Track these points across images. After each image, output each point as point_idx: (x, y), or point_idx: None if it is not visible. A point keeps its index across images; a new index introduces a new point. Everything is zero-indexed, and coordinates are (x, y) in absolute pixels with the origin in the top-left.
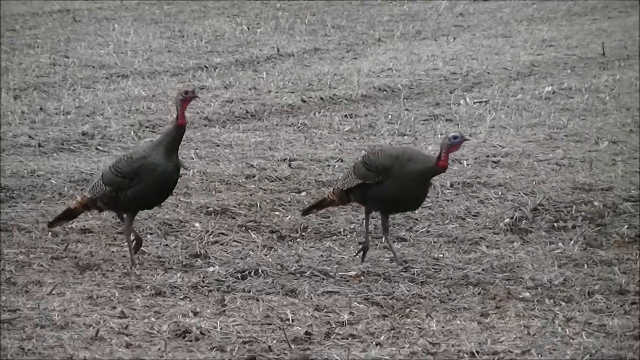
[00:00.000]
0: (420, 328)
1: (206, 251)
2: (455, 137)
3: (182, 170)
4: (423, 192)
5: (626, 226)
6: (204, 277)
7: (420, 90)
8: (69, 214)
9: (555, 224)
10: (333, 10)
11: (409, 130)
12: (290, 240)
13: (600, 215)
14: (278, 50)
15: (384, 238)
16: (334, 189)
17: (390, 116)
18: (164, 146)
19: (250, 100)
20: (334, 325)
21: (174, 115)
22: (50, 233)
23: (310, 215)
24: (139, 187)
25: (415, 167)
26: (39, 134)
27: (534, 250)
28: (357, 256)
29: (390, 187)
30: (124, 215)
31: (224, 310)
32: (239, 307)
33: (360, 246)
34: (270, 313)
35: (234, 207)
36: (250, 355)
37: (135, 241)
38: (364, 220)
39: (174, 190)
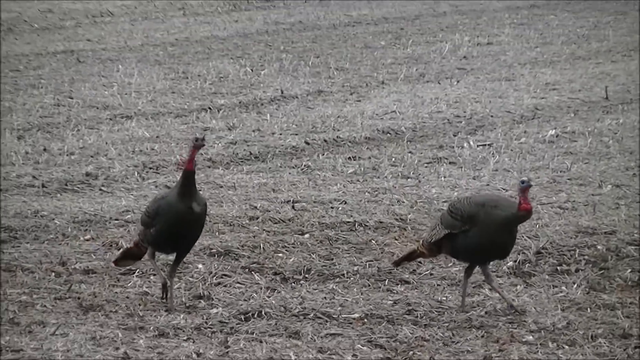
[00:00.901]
0: None
1: (209, 292)
2: (522, 182)
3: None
4: (510, 239)
5: (629, 270)
6: (207, 319)
7: (423, 133)
8: (129, 254)
9: (558, 268)
10: (337, 52)
11: (413, 173)
12: (294, 282)
13: (604, 259)
14: (282, 92)
15: (489, 285)
16: (423, 241)
17: (393, 159)
18: (177, 189)
19: (254, 142)
20: None
21: (181, 157)
22: (53, 274)
23: (313, 257)
24: (157, 227)
25: (501, 214)
26: (42, 174)
27: (537, 294)
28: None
29: (477, 235)
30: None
31: (227, 352)
32: (242, 349)
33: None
34: (273, 355)
35: (238, 248)
36: None
37: (163, 288)
38: (464, 278)
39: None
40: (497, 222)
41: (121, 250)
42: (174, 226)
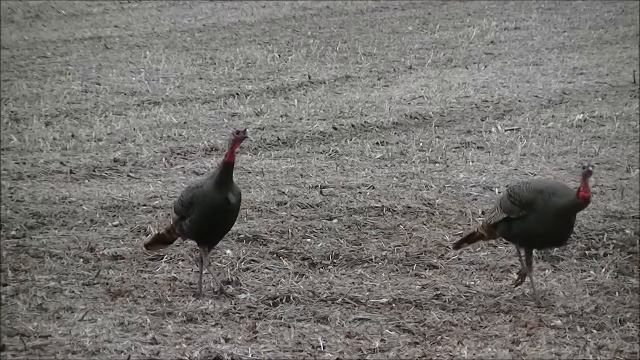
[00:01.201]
0: (451, 355)
1: (237, 278)
2: (583, 167)
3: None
4: (567, 227)
5: None
6: (235, 304)
7: (451, 117)
8: (161, 239)
9: (586, 252)
10: (364, 38)
11: (440, 158)
12: (322, 268)
13: (632, 243)
14: (309, 78)
15: (527, 274)
16: (482, 223)
17: (421, 143)
18: (214, 179)
19: (281, 128)
20: (365, 353)
21: (208, 142)
22: (81, 259)
23: (341, 242)
24: (192, 217)
25: (559, 202)
26: (70, 160)
27: (565, 278)
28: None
29: (534, 222)
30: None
31: (256, 337)
32: (270, 334)
33: (518, 277)
34: (301, 340)
35: (266, 234)
36: None
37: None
38: (519, 256)
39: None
40: (554, 209)
41: (153, 234)
42: (209, 216)
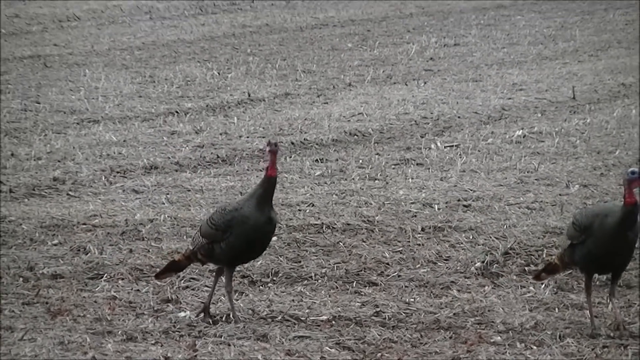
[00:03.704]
0: None
1: (177, 296)
2: (633, 172)
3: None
4: (626, 249)
5: None
6: (175, 322)
7: (391, 134)
8: (175, 267)
9: (526, 268)
10: (303, 55)
11: (380, 175)
12: (262, 285)
13: None
14: (249, 95)
15: (610, 299)
16: (558, 253)
17: (361, 160)
18: (256, 198)
19: (221, 145)
20: None
21: (144, 161)
22: (21, 279)
23: (281, 260)
24: (231, 240)
25: (612, 221)
26: (10, 179)
27: (505, 294)
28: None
29: (592, 245)
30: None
31: (196, 356)
32: (210, 352)
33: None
34: (241, 358)
35: None
36: None
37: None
38: (586, 296)
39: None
40: (609, 229)
41: (167, 263)
42: (252, 238)
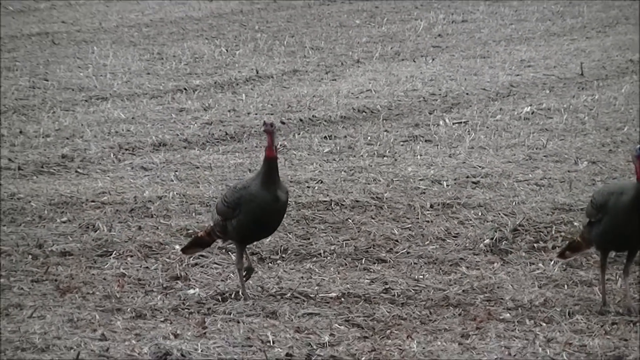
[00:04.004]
0: (401, 349)
1: (186, 273)
2: (638, 149)
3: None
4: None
5: None
6: (184, 300)
7: (399, 111)
8: (199, 242)
9: (535, 245)
10: (312, 32)
11: (389, 152)
12: (271, 262)
13: None
14: (257, 72)
15: (623, 278)
16: (579, 232)
17: (369, 137)
18: (261, 177)
19: (229, 122)
20: (314, 347)
21: (153, 138)
22: (30, 256)
23: (290, 237)
24: (240, 217)
25: (626, 199)
26: (18, 156)
27: (514, 271)
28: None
29: (606, 223)
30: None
31: (205, 333)
32: (219, 329)
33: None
34: (251, 335)
35: None
36: None
37: (246, 271)
38: (600, 272)
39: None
40: (623, 206)
41: (192, 238)
42: (259, 216)
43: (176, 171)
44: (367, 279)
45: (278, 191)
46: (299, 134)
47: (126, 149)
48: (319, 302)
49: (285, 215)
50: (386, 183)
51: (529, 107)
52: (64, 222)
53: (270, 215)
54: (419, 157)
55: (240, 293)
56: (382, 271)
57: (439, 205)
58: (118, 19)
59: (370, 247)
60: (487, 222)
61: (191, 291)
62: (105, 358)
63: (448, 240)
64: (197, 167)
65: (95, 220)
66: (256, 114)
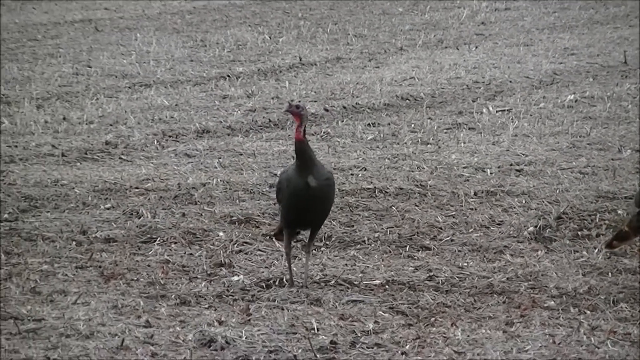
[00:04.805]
0: (445, 337)
1: (230, 260)
2: None
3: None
4: None
5: None
6: (228, 286)
7: (442, 99)
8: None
9: (579, 233)
10: (355, 19)
11: (432, 139)
12: (315, 249)
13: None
14: (300, 59)
15: None
16: (627, 221)
17: (413, 125)
18: (296, 163)
19: (272, 109)
20: (359, 335)
21: (196, 125)
22: (74, 242)
23: (334, 224)
24: (283, 203)
25: None
26: (62, 143)
27: (558, 259)
28: None
29: None
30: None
31: (249, 320)
32: (263, 316)
33: None
34: (295, 322)
35: (258, 216)
36: None
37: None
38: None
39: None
40: None
41: (278, 224)
42: (294, 202)
43: (220, 158)
44: (411, 266)
45: (310, 177)
46: (343, 121)
47: (170, 136)
48: (363, 289)
49: (331, 203)
50: (430, 170)
51: (573, 95)
52: (108, 209)
53: (304, 201)
54: (462, 144)
55: (284, 279)
56: (426, 259)
57: (482, 192)
58: (161, 6)
59: (414, 235)
60: (531, 209)
61: (235, 278)
62: (149, 345)
63: (492, 228)
64: (241, 154)
65: (139, 207)
66: (301, 102)
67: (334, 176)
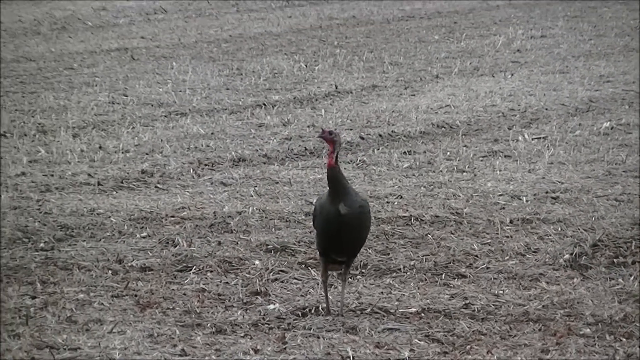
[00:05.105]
0: None
1: (266, 289)
2: None
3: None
4: None
5: None
6: (264, 315)
7: (478, 126)
8: None
9: (614, 260)
10: (390, 47)
11: (468, 167)
12: (350, 278)
13: None
14: (336, 88)
15: None
16: None
17: (449, 152)
18: (329, 190)
19: (308, 138)
20: None
21: (232, 153)
22: (110, 271)
23: (370, 252)
24: (317, 229)
25: None
26: (98, 172)
27: (594, 286)
28: None
29: None
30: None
31: (285, 348)
32: (299, 345)
33: None
34: (331, 350)
35: (294, 244)
36: None
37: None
38: None
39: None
40: None
41: None
42: (326, 229)
43: (255, 186)
44: (447, 294)
45: (341, 204)
46: (379, 149)
47: (205, 164)
48: (399, 317)
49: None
50: (465, 198)
51: (608, 123)
52: (144, 238)
53: (335, 228)
54: (498, 172)
55: (320, 308)
56: (462, 286)
57: (518, 220)
58: (197, 35)
59: (450, 262)
60: (567, 237)
61: (271, 306)
62: None
63: (528, 256)
64: (277, 183)
65: (174, 236)
66: (335, 129)
67: (369, 204)
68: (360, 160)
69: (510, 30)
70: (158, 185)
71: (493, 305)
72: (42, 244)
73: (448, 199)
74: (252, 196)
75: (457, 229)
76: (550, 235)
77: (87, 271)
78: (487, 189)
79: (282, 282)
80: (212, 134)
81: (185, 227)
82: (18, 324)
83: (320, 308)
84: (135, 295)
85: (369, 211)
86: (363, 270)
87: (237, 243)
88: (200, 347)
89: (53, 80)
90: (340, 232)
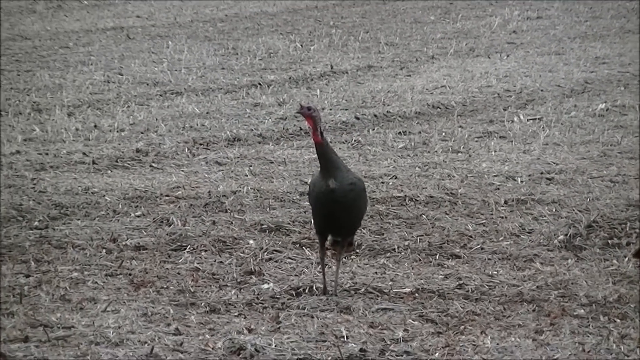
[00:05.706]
0: (474, 345)
1: (260, 268)
2: None
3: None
4: None
5: None
6: (258, 294)
7: (473, 107)
8: None
9: (609, 241)
10: (386, 27)
11: (463, 148)
12: (344, 258)
13: None
14: (332, 68)
15: None
16: None
17: (444, 133)
18: (320, 167)
19: (303, 118)
20: (388, 342)
21: (227, 133)
22: (104, 250)
23: (364, 232)
24: (311, 207)
25: None
26: (93, 151)
27: (588, 267)
28: None
29: None
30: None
31: (279, 327)
32: (293, 324)
33: None
34: (325, 330)
35: (288, 224)
36: None
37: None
38: None
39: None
40: None
41: None
42: (318, 206)
43: (250, 166)
44: (441, 274)
45: (331, 180)
46: (374, 129)
47: (200, 144)
48: (393, 297)
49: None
50: (460, 179)
51: (604, 104)
52: (138, 217)
53: (326, 205)
54: (493, 153)
55: (314, 287)
56: (456, 267)
57: (513, 201)
58: (193, 14)
59: (444, 243)
60: (562, 218)
61: (265, 286)
62: (179, 352)
63: (522, 236)
64: (272, 162)
65: (169, 215)
66: (331, 109)
67: (363, 182)
68: (355, 141)
69: (506, 11)
70: (153, 165)
71: (487, 285)
72: (36, 223)
73: (443, 180)
74: (246, 176)
75: (451, 210)
76: (544, 216)
77: (81, 250)
78: (482, 170)
79: (276, 261)
80: (207, 113)
81: (179, 207)
82: (12, 302)
83: (314, 287)
84: (130, 274)
85: (364, 189)
86: (357, 251)
87: (232, 222)
88: (194, 326)
89: (48, 58)
90: (331, 208)
